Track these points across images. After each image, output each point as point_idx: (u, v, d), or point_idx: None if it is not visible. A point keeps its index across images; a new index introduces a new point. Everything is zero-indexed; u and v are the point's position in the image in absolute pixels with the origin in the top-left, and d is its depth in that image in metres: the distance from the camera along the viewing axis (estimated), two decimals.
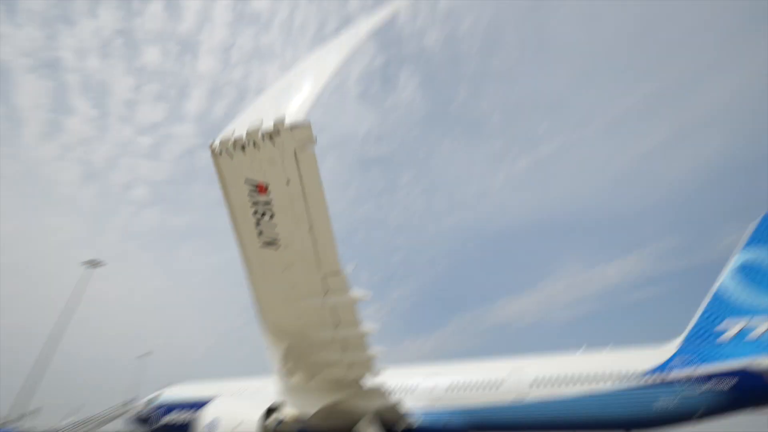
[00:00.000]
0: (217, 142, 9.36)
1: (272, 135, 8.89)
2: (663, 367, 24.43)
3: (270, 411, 25.36)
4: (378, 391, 25.13)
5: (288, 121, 8.62)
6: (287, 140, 8.98)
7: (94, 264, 50.07)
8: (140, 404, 40.58)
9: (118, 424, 44.07)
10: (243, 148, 9.25)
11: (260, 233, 11.86)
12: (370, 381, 23.30)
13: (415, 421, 28.76)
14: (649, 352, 26.01)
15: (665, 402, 23.33)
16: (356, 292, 14.55)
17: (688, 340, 25.64)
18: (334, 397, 24.38)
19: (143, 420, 39.19)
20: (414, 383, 31.33)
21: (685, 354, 24.64)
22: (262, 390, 31.47)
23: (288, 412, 25.04)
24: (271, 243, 12.26)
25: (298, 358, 21.01)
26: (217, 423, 24.50)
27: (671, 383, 23.73)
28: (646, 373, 24.48)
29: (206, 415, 25.23)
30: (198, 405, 30.68)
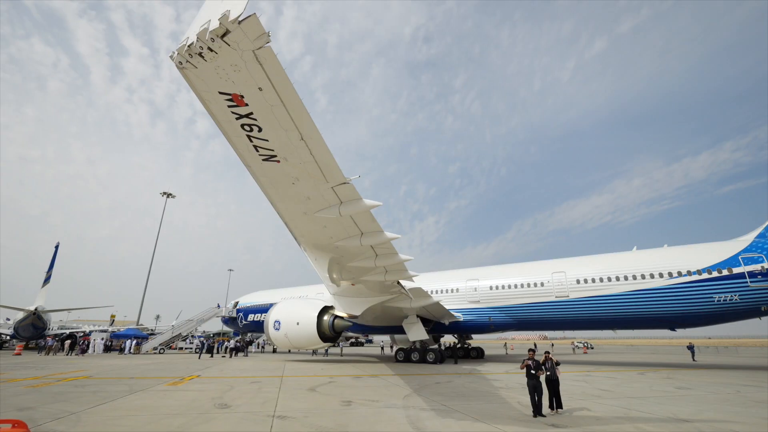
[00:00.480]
0: (175, 53, 8.79)
1: (224, 35, 8.04)
2: (727, 263, 22.19)
3: (324, 312, 28.48)
4: (419, 291, 26.57)
5: (232, 14, 7.64)
6: (240, 39, 8.05)
7: (168, 195, 57.14)
8: (228, 307, 48.41)
9: (213, 322, 53.52)
10: (201, 55, 8.61)
11: (256, 148, 11.69)
12: (409, 284, 24.48)
13: (459, 317, 30.56)
14: (711, 249, 23.56)
15: (725, 297, 21.63)
16: (368, 201, 14.38)
17: (762, 236, 22.58)
18: (379, 299, 26.37)
19: (230, 320, 47.33)
20: (459, 284, 32.60)
21: (755, 250, 21.90)
22: (320, 294, 35.11)
23: (340, 312, 27.89)
24: (270, 157, 12.11)
25: (340, 267, 22.35)
26: (281, 322, 28.27)
27: (735, 277, 21.68)
28: (704, 269, 22.52)
29: (271, 316, 29.12)
30: (267, 308, 35.49)
